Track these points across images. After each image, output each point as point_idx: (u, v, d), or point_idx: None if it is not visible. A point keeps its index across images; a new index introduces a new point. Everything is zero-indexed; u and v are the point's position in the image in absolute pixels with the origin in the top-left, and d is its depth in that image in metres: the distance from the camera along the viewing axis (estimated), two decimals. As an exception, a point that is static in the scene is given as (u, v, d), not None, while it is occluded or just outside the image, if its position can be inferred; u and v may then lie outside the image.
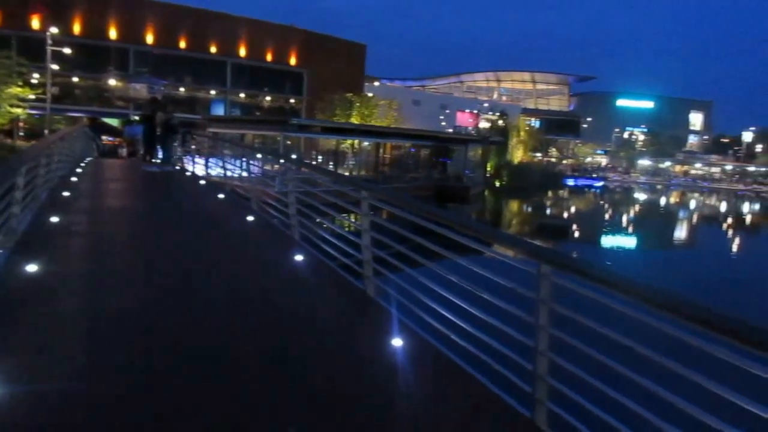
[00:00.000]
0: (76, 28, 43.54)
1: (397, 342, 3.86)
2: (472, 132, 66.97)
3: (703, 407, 2.19)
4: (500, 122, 66.23)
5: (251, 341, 3.88)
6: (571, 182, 73.13)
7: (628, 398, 2.54)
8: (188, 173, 15.19)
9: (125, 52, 45.81)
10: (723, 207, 67.31)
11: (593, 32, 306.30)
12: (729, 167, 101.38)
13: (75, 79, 44.11)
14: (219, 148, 14.43)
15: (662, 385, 2.38)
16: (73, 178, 11.37)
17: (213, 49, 49.82)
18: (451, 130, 65.40)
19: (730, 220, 53.49)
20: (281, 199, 7.98)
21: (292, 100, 54.58)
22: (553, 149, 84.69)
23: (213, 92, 51.38)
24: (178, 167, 15.72)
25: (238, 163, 12.45)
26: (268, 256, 6.55)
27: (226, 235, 7.59)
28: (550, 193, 61.98)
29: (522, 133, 68.98)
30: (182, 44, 48.40)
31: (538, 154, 77.15)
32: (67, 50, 36.01)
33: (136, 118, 20.55)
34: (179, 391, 3.06)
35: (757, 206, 69.51)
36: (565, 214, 49.86)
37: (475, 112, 73.90)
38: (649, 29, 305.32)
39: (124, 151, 24.98)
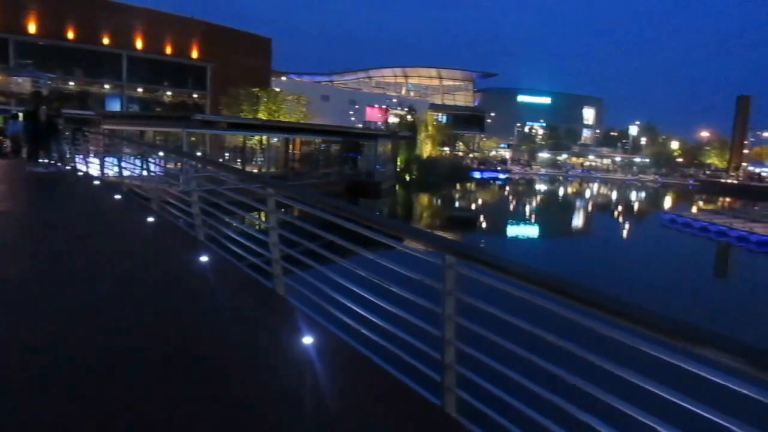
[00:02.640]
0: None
1: (307, 339, 3.82)
2: (382, 127, 67.65)
3: (602, 387, 2.32)
4: (409, 117, 67.41)
5: (153, 346, 3.69)
6: (477, 175, 75.80)
7: (532, 382, 2.64)
8: (81, 173, 14.15)
9: (5, 43, 41.85)
10: (614, 196, 72.60)
11: (494, 30, 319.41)
12: (618, 159, 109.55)
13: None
14: (115, 146, 13.56)
15: (563, 368, 2.50)
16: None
17: (106, 41, 46.69)
18: (360, 126, 65.65)
19: (620, 208, 57.82)
20: (184, 199, 7.62)
21: (195, 95, 52.40)
22: (460, 143, 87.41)
23: (107, 87, 48.22)
24: (69, 167, 14.61)
25: (137, 161, 11.75)
26: (170, 258, 6.24)
27: (122, 238, 7.14)
28: (458, 186, 63.93)
29: (430, 128, 70.64)
30: (71, 35, 44.96)
31: (446, 149, 79.34)
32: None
33: (19, 114, 18.81)
34: (60, 399, 2.87)
35: (642, 194, 75.61)
36: (473, 206, 51.68)
37: (384, 107, 74.73)
38: (545, 29, 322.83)
39: (7, 147, 22.84)
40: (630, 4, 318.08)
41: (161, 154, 12.22)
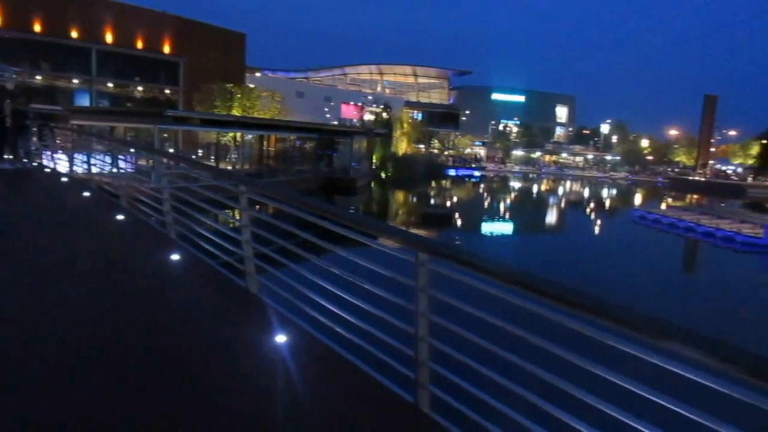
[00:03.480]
0: None
1: (280, 338, 3.80)
2: (357, 124, 67.53)
3: (572, 381, 2.36)
4: (384, 114, 67.40)
5: (122, 346, 3.63)
6: (452, 172, 76.23)
7: (504, 378, 2.67)
8: (48, 170, 13.80)
9: (-34, 35, 40.61)
10: (586, 193, 73.77)
11: (469, 28, 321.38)
12: (590, 156, 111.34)
13: None
14: (84, 142, 13.25)
15: (534, 363, 2.53)
16: None
17: (74, 34, 45.57)
18: (336, 123, 65.46)
19: (592, 205, 58.79)
20: (156, 196, 7.49)
21: (167, 91, 51.55)
22: (435, 141, 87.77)
23: (76, 81, 47.09)
24: (35, 164, 14.24)
25: (107, 158, 11.50)
26: (140, 257, 6.13)
27: (91, 236, 6.98)
28: (433, 183, 64.22)
29: (405, 126, 70.74)
30: (37, 27, 43.76)
31: (422, 146, 79.57)
32: None
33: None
34: (28, 401, 2.80)
35: (614, 191, 77.00)
36: (448, 203, 51.96)
37: (360, 104, 74.58)
38: (519, 27, 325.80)
39: None
40: (602, 3, 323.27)
41: (132, 150, 11.98)
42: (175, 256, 5.72)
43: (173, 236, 6.64)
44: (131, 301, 4.58)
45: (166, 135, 37.96)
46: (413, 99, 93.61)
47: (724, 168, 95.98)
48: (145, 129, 35.86)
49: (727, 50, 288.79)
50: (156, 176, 8.50)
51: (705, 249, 31.28)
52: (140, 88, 50.76)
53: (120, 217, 7.80)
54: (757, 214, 40.05)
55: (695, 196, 67.53)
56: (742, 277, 24.73)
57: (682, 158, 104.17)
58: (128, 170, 10.63)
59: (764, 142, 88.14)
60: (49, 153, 14.76)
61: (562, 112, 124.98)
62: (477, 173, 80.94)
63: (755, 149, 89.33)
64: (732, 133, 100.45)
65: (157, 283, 5.14)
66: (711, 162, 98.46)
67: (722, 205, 48.09)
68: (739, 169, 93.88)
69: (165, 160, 8.15)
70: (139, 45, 49.52)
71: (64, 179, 11.97)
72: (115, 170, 10.43)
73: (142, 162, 13.42)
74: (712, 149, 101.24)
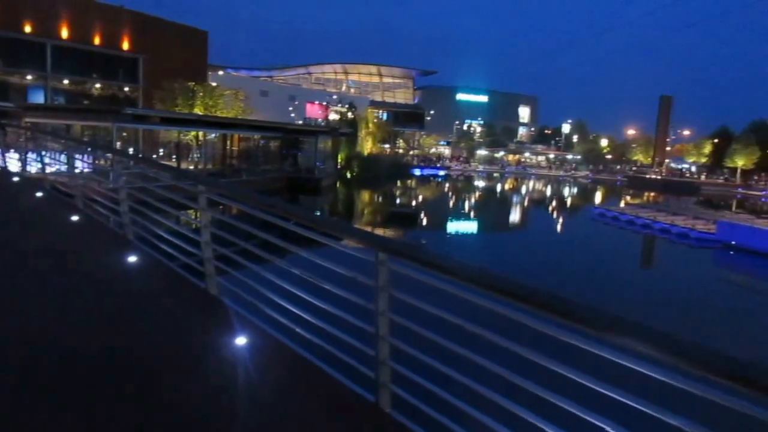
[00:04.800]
0: None
1: (241, 340, 3.74)
2: (322, 124, 67.22)
3: (531, 378, 2.39)
4: (349, 114, 67.24)
5: (77, 350, 3.52)
6: (417, 172, 76.71)
7: (463, 376, 2.69)
8: (-2, 170, 13.28)
9: None
10: (548, 191, 75.22)
11: (433, 28, 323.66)
12: (552, 156, 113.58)
13: None
14: (38, 140, 12.79)
15: (493, 361, 2.56)
16: None
17: (28, 29, 43.95)
18: (301, 122, 65.01)
19: (554, 203, 60.00)
20: (113, 197, 7.27)
21: (126, 89, 50.21)
22: (401, 140, 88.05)
23: (30, 77, 45.38)
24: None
25: (62, 157, 11.13)
26: (96, 259, 5.94)
27: (44, 238, 6.74)
28: (399, 183, 64.47)
29: (371, 125, 70.80)
30: (-13, 21, 42.07)
31: (387, 146, 79.74)
32: None
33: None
34: None
35: (575, 190, 78.77)
36: (414, 203, 52.22)
37: (325, 103, 74.24)
38: (483, 28, 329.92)
39: None
40: (563, 6, 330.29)
41: (88, 149, 11.63)
42: (132, 258, 5.58)
43: (131, 238, 6.47)
44: (86, 305, 4.45)
45: (125, 134, 37.03)
46: (378, 98, 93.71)
47: (679, 166, 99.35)
48: (103, 127, 34.88)
49: (682, 53, 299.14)
50: (114, 176, 8.27)
51: (661, 245, 32.30)
52: (98, 86, 49.26)
53: (75, 218, 7.56)
54: (710, 211, 41.60)
55: (652, 194, 69.62)
56: (696, 271, 25.64)
57: (640, 157, 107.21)
58: (84, 170, 10.31)
59: (716, 141, 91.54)
60: (-1, 152, 14.20)
61: (524, 112, 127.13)
62: (442, 173, 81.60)
63: (707, 148, 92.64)
64: (686, 132, 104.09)
65: (113, 287, 5.00)
66: (667, 161, 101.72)
67: (677, 202, 49.65)
68: (693, 168, 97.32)
69: (123, 160, 7.94)
70: (97, 41, 48.07)
71: (16, 179, 11.55)
72: (70, 170, 10.11)
73: (100, 161, 13.06)
74: (668, 148, 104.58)
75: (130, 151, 36.99)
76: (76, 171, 9.94)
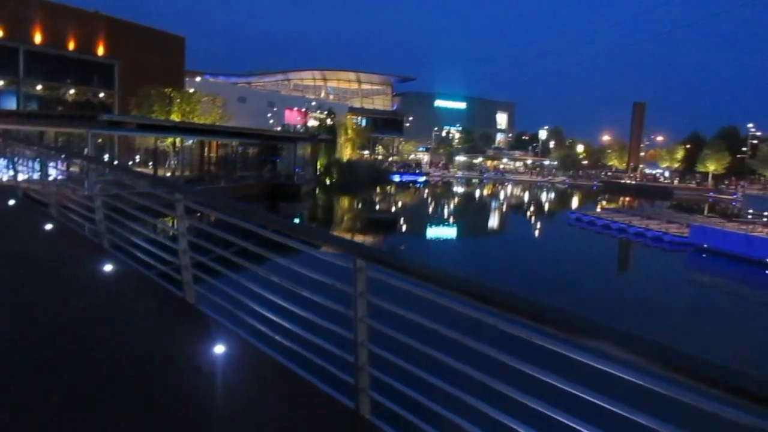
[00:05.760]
0: None
1: (219, 348, 3.72)
2: (301, 130, 67.05)
3: (510, 384, 2.43)
4: (328, 120, 67.19)
5: (53, 360, 3.47)
6: (397, 178, 76.85)
7: (442, 381, 2.72)
8: (-31, 177, 12.99)
9: None
10: (526, 197, 75.99)
11: (411, 35, 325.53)
12: (530, 161, 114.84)
13: None
14: (10, 147, 12.54)
15: (472, 366, 2.59)
16: None
17: (0, 33, 43.08)
18: (279, 128, 64.74)
19: (531, 208, 60.63)
20: (88, 204, 7.16)
21: (101, 94, 49.45)
22: (380, 147, 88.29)
23: (1, 83, 44.43)
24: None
25: (35, 164, 10.92)
26: (71, 267, 5.85)
27: (16, 246, 6.61)
28: (378, 189, 64.51)
29: (350, 132, 70.83)
30: (-44, 26, 41.14)
31: (366, 152, 79.84)
32: None
33: None
34: None
35: (552, 195, 79.70)
36: (393, 209, 52.31)
37: (304, 110, 74.11)
38: (460, 35, 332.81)
39: None
40: (539, 14, 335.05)
41: (62, 156, 11.45)
42: (108, 267, 5.50)
43: (106, 246, 6.38)
44: (61, 315, 4.38)
45: (100, 140, 36.46)
46: (357, 105, 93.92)
47: (653, 171, 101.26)
48: (78, 134, 34.30)
49: (655, 60, 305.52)
50: (89, 183, 8.15)
51: (636, 248, 32.85)
52: (72, 91, 48.44)
53: (49, 226, 7.43)
54: (683, 215, 42.43)
55: (627, 199, 70.79)
56: (670, 274, 26.14)
57: (615, 162, 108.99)
58: (58, 177, 10.15)
59: (688, 146, 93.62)
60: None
61: (502, 119, 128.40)
62: (421, 179, 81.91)
63: (680, 153, 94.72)
64: (659, 138, 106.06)
65: (89, 296, 4.93)
66: (641, 166, 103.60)
67: (652, 206, 50.56)
68: (666, 173, 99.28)
69: (96, 167, 7.83)
70: (71, 46, 47.31)
71: (-13, 187, 11.30)
72: (44, 177, 9.94)
73: (74, 168, 12.84)
74: (642, 154, 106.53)
75: (105, 157, 36.45)
76: (50, 178, 9.78)
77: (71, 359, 3.57)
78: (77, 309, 4.55)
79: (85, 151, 33.04)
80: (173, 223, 4.96)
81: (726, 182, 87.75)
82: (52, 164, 10.00)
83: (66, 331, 4.05)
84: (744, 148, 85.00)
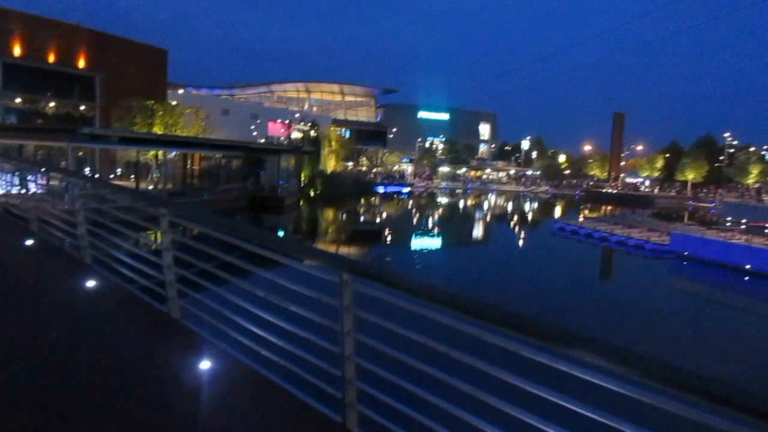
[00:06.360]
0: None
1: (205, 364, 3.69)
2: (285, 142, 66.94)
3: (497, 395, 2.45)
4: (312, 132, 67.19)
5: (34, 378, 3.41)
6: (381, 189, 76.94)
7: (430, 394, 2.73)
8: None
9: None
10: (509, 207, 76.52)
11: (393, 47, 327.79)
12: (513, 171, 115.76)
13: None
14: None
15: (459, 378, 2.61)
16: None
17: (-23, 46, 42.54)
18: (263, 140, 64.58)
19: (515, 218, 61.05)
20: (69, 219, 7.07)
21: (82, 107, 48.95)
22: (364, 158, 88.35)
23: (-21, 96, 43.84)
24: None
25: (15, 178, 10.78)
26: (53, 284, 5.77)
27: None
28: (363, 200, 64.51)
29: (334, 143, 70.78)
30: (-67, 38, 40.51)
31: (350, 163, 79.87)
32: None
33: None
34: None
35: (535, 204, 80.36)
36: (378, 220, 52.32)
37: (287, 122, 74.02)
38: (442, 47, 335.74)
39: None
40: (520, 25, 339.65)
41: (42, 170, 11.30)
42: (91, 283, 5.44)
43: (89, 261, 6.30)
44: (43, 333, 4.31)
45: (81, 153, 36.04)
46: (341, 117, 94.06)
47: (633, 180, 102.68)
48: (58, 147, 33.89)
49: (634, 71, 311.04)
50: (70, 197, 8.05)
51: (619, 257, 33.22)
52: (52, 104, 47.88)
53: (29, 242, 7.32)
54: (664, 223, 43.06)
55: (609, 207, 71.63)
56: (652, 281, 26.47)
57: (597, 172, 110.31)
58: (39, 191, 10.02)
59: (667, 156, 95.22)
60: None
61: (485, 129, 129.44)
62: (405, 190, 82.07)
63: (660, 162, 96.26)
64: (639, 147, 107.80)
65: (71, 313, 4.86)
66: (622, 175, 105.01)
67: (633, 214, 51.23)
68: (647, 182, 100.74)
69: (78, 181, 7.74)
70: (52, 58, 46.83)
71: (-35, 203, 11.10)
72: (23, 191, 9.81)
73: (54, 182, 12.68)
74: (622, 163, 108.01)
75: (86, 170, 36.02)
76: (30, 192, 9.66)
77: (52, 378, 3.52)
78: (60, 328, 4.48)
79: (62, 164, 32.65)
80: (157, 237, 4.93)
81: (704, 190, 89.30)
82: (31, 178, 9.87)
83: (47, 350, 3.99)
84: (721, 157, 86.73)
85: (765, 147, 79.60)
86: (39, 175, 10.56)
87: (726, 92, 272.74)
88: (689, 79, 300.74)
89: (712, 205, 72.10)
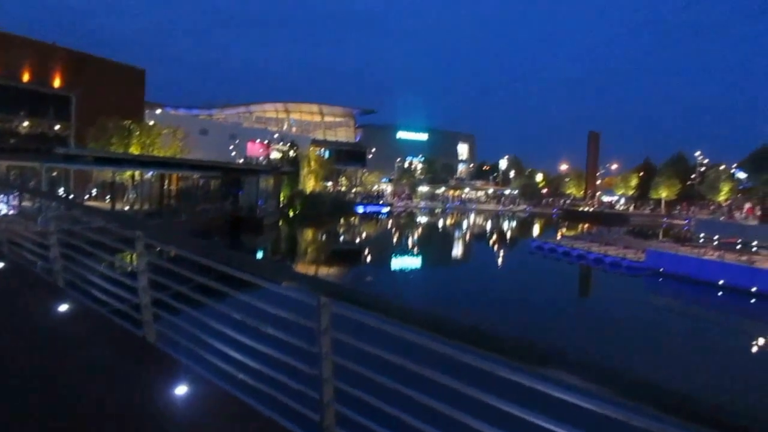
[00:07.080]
0: None
1: (181, 389, 3.63)
2: (264, 162, 66.80)
3: (478, 417, 2.46)
4: (291, 152, 67.20)
5: (6, 411, 3.31)
6: (360, 209, 76.97)
7: (410, 416, 2.73)
8: None
9: None
10: (488, 226, 77.11)
11: (372, 68, 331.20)
12: (491, 191, 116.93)
13: None
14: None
15: (439, 399, 2.62)
16: None
17: (-52, 64, 41.86)
18: (241, 161, 64.36)
19: (494, 237, 61.50)
20: (41, 241, 6.93)
21: (57, 127, 48.30)
22: (343, 178, 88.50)
23: (-50, 115, 43.03)
24: None
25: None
26: (23, 308, 5.63)
27: None
28: (342, 221, 64.43)
29: (313, 163, 70.86)
30: None
31: (329, 183, 79.91)
32: None
33: None
34: None
35: (513, 223, 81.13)
36: (358, 240, 52.25)
37: (266, 142, 73.97)
38: (420, 68, 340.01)
39: None
40: (497, 47, 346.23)
41: (14, 191, 11.10)
42: (63, 307, 5.32)
43: (62, 285, 6.17)
44: (11, 361, 4.20)
45: (55, 173, 35.46)
46: (320, 137, 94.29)
47: (609, 198, 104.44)
48: (31, 167, 33.30)
49: (608, 91, 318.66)
50: (42, 218, 7.91)
51: (596, 274, 33.62)
52: (26, 123, 47.14)
53: None
54: (639, 240, 43.76)
55: (586, 225, 72.63)
56: (628, 297, 26.82)
57: (573, 190, 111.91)
58: (10, 212, 9.81)
59: (641, 174, 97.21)
60: None
61: (463, 149, 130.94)
62: (385, 209, 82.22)
63: (634, 181, 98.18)
64: (614, 166, 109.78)
65: (43, 338, 4.75)
66: (598, 193, 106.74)
67: (609, 232, 52.03)
68: (622, 200, 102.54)
69: (50, 203, 7.62)
70: (26, 77, 46.25)
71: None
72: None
73: (27, 203, 12.44)
74: (598, 181, 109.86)
75: (60, 191, 35.43)
76: (1, 214, 9.45)
77: (23, 406, 3.43)
78: (30, 354, 4.37)
79: (33, 184, 32.05)
80: (132, 259, 4.87)
81: (678, 208, 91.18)
82: (2, 199, 9.67)
83: (18, 377, 3.88)
84: (693, 175, 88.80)
85: (734, 165, 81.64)
86: (11, 196, 10.36)
87: (696, 111, 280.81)
88: (661, 97, 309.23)
89: (686, 222, 73.58)
